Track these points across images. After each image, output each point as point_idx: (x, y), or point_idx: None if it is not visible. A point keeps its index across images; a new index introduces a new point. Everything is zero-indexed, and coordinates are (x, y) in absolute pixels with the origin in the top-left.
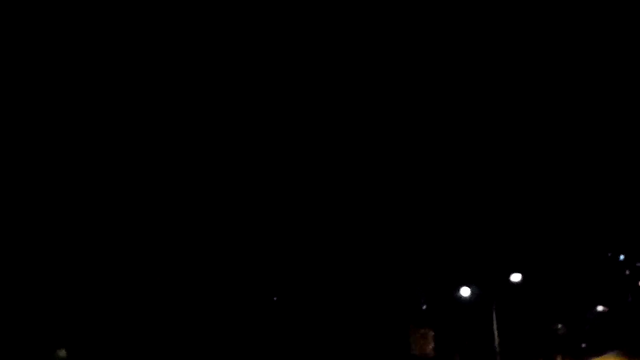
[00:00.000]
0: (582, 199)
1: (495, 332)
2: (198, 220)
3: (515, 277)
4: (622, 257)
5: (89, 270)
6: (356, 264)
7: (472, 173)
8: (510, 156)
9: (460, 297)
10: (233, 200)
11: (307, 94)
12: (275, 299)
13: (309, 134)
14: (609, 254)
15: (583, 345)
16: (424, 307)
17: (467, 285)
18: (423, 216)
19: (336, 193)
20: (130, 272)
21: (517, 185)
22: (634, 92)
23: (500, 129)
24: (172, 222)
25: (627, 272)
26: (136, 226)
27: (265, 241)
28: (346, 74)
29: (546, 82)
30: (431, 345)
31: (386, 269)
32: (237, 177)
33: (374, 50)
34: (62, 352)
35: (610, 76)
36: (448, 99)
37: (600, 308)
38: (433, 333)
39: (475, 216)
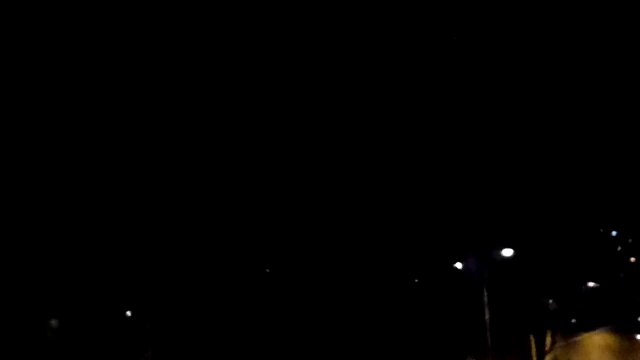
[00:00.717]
0: (575, 175)
1: (486, 307)
2: (189, 194)
3: (507, 252)
4: (614, 233)
5: (76, 242)
6: (348, 237)
7: (464, 150)
8: (502, 132)
9: (452, 271)
10: (225, 175)
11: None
12: (267, 270)
13: (290, 109)
14: (601, 230)
15: (573, 321)
16: (416, 280)
17: (458, 260)
18: (415, 191)
19: (324, 168)
20: (120, 243)
21: (509, 161)
22: (620, 72)
23: (489, 105)
24: (164, 196)
25: (619, 248)
26: (125, 196)
27: (256, 215)
28: (345, 72)
29: (534, 61)
30: None
31: (379, 242)
32: (227, 154)
33: (374, 49)
34: (54, 322)
35: (599, 57)
36: (432, 76)
37: (591, 284)
38: None
39: (468, 191)
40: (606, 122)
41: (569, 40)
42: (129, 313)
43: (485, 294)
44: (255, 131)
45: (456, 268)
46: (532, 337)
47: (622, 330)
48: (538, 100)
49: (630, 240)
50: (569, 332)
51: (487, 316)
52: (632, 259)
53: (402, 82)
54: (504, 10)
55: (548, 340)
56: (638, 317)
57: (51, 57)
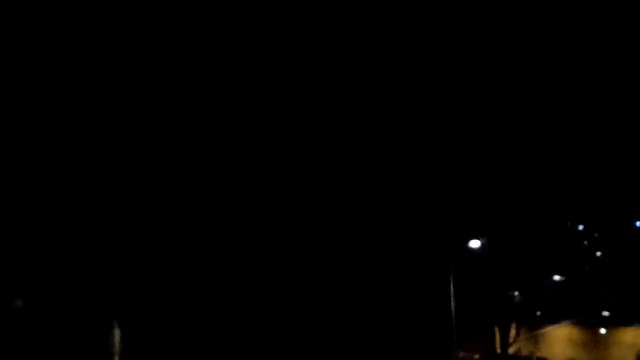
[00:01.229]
0: (543, 169)
1: (452, 298)
2: (159, 179)
3: (474, 244)
4: (581, 227)
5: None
6: (319, 225)
7: (433, 143)
8: (471, 127)
9: (419, 261)
10: (195, 161)
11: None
12: (235, 256)
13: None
14: (568, 224)
15: (538, 313)
16: (382, 270)
17: (425, 250)
18: (384, 181)
19: (299, 165)
20: (87, 225)
21: (476, 154)
22: (595, 69)
23: (458, 101)
24: (133, 181)
25: (585, 242)
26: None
27: (231, 205)
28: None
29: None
30: None
31: (345, 232)
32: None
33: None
34: (19, 302)
35: (573, 56)
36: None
37: (556, 277)
38: None
39: (435, 182)
40: (575, 117)
41: (542, 40)
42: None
43: (451, 284)
44: (236, 125)
45: (423, 258)
46: (496, 329)
47: (586, 323)
48: (507, 97)
49: (596, 235)
50: (533, 324)
51: (452, 307)
52: (598, 253)
53: (380, 83)
54: (503, 10)
55: (512, 332)
56: (602, 311)
57: (51, 57)
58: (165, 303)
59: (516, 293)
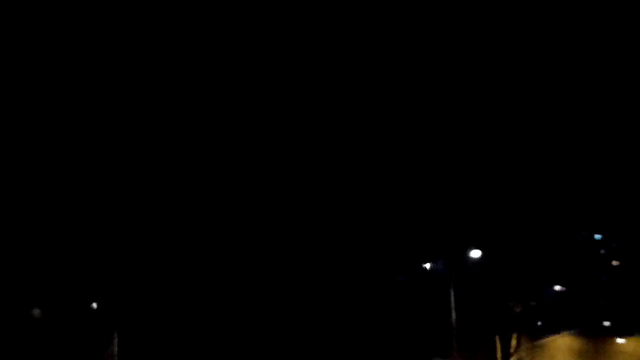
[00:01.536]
0: (562, 180)
1: (453, 307)
2: (160, 186)
3: (475, 254)
4: (598, 236)
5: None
6: (330, 235)
7: (435, 151)
8: (475, 135)
9: (420, 271)
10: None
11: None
12: (251, 266)
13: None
14: (585, 233)
15: (539, 323)
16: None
17: (427, 260)
18: (386, 192)
19: (300, 170)
20: (89, 235)
21: (480, 163)
22: (604, 69)
23: (465, 103)
24: (133, 189)
25: (603, 252)
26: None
27: (231, 209)
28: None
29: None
30: None
31: (347, 242)
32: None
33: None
34: (37, 312)
35: (582, 56)
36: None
37: (557, 287)
38: None
39: (437, 192)
40: (592, 126)
41: (544, 43)
42: (94, 305)
43: (452, 294)
44: (239, 127)
45: (424, 268)
46: (497, 339)
47: (588, 333)
48: (514, 102)
49: (614, 244)
50: (534, 334)
51: (453, 317)
52: (615, 263)
53: (382, 92)
54: (503, 10)
55: (513, 342)
56: (603, 320)
57: (51, 57)
58: (172, 311)
59: (517, 303)
